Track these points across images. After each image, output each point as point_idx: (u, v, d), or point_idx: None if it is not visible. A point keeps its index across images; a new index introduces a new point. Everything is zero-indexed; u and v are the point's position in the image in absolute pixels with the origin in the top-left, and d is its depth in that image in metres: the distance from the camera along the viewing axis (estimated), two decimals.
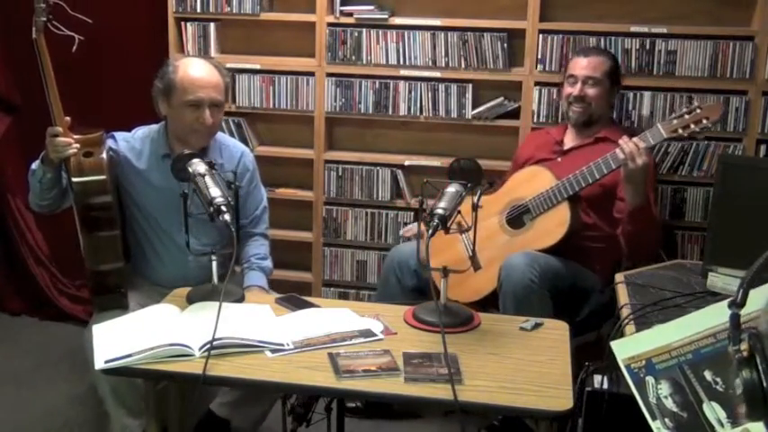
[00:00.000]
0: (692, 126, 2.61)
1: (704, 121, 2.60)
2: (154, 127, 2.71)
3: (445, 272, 2.21)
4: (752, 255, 2.10)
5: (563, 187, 2.76)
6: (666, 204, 3.37)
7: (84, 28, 3.67)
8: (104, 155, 2.49)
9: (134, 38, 3.66)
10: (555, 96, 3.34)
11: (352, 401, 2.88)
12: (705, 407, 1.26)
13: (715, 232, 2.22)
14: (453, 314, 2.19)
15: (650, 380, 1.33)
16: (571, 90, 2.97)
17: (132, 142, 2.66)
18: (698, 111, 2.62)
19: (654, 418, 1.29)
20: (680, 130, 2.62)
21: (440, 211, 2.08)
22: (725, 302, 1.29)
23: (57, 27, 2.44)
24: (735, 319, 1.15)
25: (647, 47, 3.27)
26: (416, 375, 1.87)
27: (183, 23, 3.60)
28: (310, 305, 2.31)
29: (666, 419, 1.28)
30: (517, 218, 2.85)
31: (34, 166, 2.54)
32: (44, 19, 2.40)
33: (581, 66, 2.97)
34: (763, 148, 3.27)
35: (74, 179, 2.43)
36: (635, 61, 3.29)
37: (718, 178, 2.19)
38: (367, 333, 2.10)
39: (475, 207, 2.19)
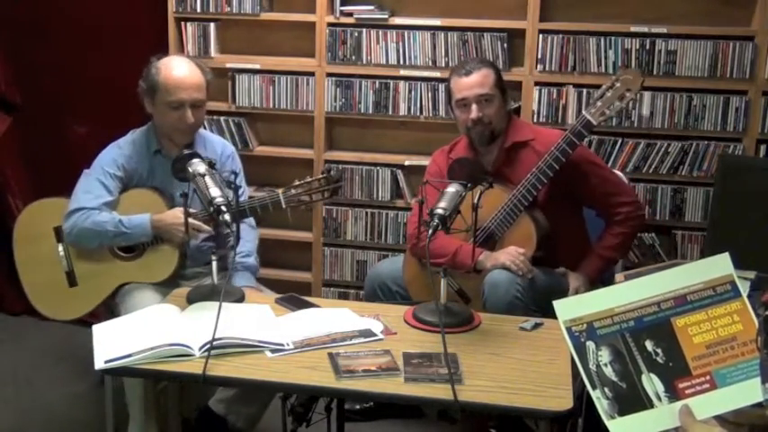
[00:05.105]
0: (618, 102, 2.61)
1: (627, 94, 2.60)
2: (138, 130, 2.75)
3: (445, 272, 2.21)
4: (752, 254, 2.12)
5: (517, 201, 2.66)
6: (666, 204, 3.37)
7: (84, 28, 3.70)
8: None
9: (134, 38, 3.66)
10: (555, 96, 3.35)
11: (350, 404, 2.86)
12: (644, 378, 1.22)
13: (715, 232, 2.22)
14: (453, 314, 2.19)
15: (591, 345, 1.25)
16: (467, 116, 2.72)
17: (124, 148, 2.70)
18: (617, 85, 2.61)
19: (594, 387, 1.23)
20: (606, 111, 2.61)
21: (440, 211, 2.08)
22: (672, 270, 1.27)
23: None
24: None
25: (647, 47, 3.27)
26: (416, 375, 1.87)
27: (183, 23, 3.60)
28: (310, 305, 2.31)
29: (606, 389, 1.23)
30: (484, 242, 2.72)
31: (134, 221, 2.56)
32: None
33: (468, 86, 2.70)
34: (763, 148, 3.27)
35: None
36: (635, 61, 3.28)
37: (718, 178, 2.20)
38: (367, 333, 2.10)
39: (475, 207, 2.19)
